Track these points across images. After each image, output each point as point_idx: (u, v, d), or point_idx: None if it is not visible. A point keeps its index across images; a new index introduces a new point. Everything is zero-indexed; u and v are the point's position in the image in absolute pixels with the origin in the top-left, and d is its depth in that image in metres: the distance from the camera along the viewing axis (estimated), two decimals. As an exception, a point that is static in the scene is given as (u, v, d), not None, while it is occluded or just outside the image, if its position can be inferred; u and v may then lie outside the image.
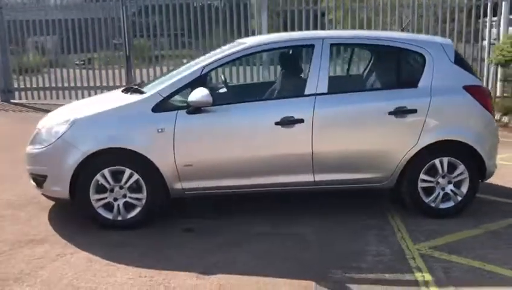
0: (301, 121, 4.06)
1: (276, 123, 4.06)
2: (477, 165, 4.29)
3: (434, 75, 4.20)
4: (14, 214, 4.55)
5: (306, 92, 4.13)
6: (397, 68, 4.39)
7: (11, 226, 4.25)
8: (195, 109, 4.01)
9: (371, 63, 4.41)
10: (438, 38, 4.76)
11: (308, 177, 4.20)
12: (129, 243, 3.91)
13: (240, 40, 4.71)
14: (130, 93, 4.40)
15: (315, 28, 10.44)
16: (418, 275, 3.35)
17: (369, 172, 4.22)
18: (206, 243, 3.89)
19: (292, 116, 4.06)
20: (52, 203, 4.71)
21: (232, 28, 10.72)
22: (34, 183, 4.34)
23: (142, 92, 4.30)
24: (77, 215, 4.35)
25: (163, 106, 4.05)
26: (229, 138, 4.11)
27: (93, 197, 4.06)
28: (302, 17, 10.39)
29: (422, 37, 5.04)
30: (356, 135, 4.18)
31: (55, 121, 4.26)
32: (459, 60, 4.34)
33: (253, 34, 10.96)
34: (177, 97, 4.12)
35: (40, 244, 3.88)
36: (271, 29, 10.61)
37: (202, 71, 4.12)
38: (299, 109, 4.08)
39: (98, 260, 3.60)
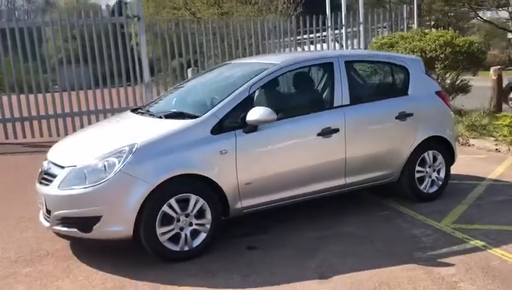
0: (337, 130, 4.52)
1: (318, 134, 4.44)
2: (448, 155, 5.36)
3: (417, 84, 5.13)
4: (42, 269, 3.88)
5: (335, 104, 4.61)
6: (393, 80, 5.21)
7: (56, 284, 3.65)
8: (251, 127, 4.12)
9: (375, 76, 5.14)
10: (412, 56, 5.76)
11: (340, 181, 4.66)
12: (213, 270, 3.78)
13: (240, 61, 4.90)
14: (164, 118, 4.30)
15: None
16: (473, 243, 4.11)
17: (385, 169, 4.91)
18: (284, 254, 4.01)
19: (330, 127, 4.49)
20: (69, 251, 4.15)
21: (25, 52, 10.06)
22: (72, 230, 3.81)
23: (181, 115, 4.26)
24: (118, 252, 4.03)
25: (220, 127, 4.06)
26: (283, 152, 4.32)
27: (160, 230, 3.80)
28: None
29: (402, 55, 6.00)
30: (376, 138, 4.82)
31: (99, 154, 3.84)
32: (427, 72, 5.38)
33: (48, 57, 10.88)
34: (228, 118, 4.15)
35: (124, 290, 3.48)
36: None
37: (250, 90, 4.25)
38: (334, 120, 4.53)
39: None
